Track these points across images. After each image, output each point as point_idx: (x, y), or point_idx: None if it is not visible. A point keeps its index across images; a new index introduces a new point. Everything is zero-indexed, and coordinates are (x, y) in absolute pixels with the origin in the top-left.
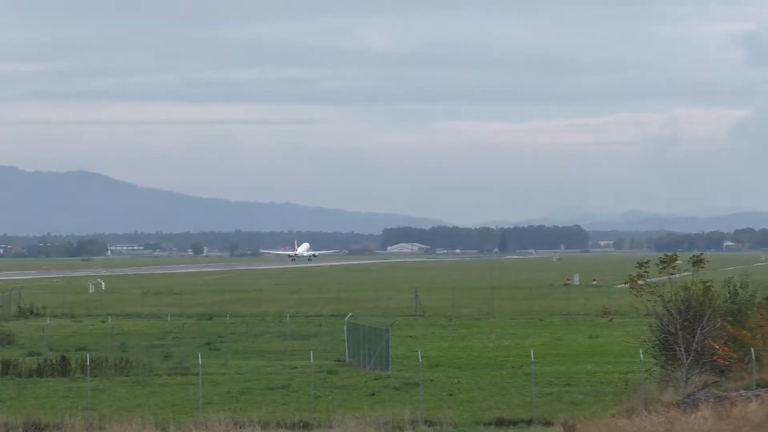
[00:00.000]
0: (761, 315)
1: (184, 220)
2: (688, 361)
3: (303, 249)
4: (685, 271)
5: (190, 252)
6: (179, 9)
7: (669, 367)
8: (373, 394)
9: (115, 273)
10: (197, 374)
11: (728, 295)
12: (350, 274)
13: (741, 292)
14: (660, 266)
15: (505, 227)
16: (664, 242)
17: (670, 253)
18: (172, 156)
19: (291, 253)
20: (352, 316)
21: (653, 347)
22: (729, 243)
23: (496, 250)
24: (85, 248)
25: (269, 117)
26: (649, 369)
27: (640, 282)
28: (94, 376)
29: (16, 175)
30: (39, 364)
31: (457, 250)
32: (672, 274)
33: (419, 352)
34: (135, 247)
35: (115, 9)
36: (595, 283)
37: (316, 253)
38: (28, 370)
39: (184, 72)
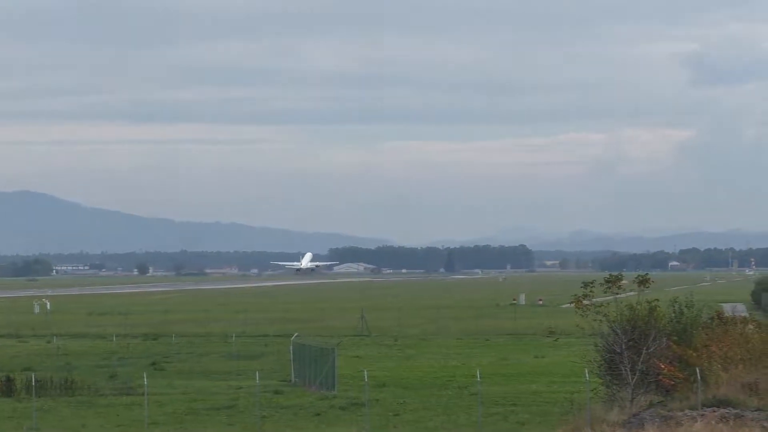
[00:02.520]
0: (706, 335)
1: (130, 240)
2: (634, 380)
3: (306, 260)
4: (630, 290)
5: (135, 272)
6: (126, 29)
7: (614, 387)
8: (319, 414)
9: (60, 293)
10: (142, 394)
11: (674, 314)
12: (296, 294)
13: (686, 312)
14: (605, 286)
15: (451, 247)
16: (610, 262)
17: (615, 273)
18: (118, 175)
19: (297, 264)
20: (298, 336)
21: (599, 367)
22: (674, 263)
23: (442, 270)
24: (30, 268)
25: (215, 137)
26: (595, 389)
27: (585, 302)
28: (40, 397)
29: None
30: None
31: (404, 270)
32: (617, 293)
33: (365, 372)
34: (80, 267)
35: (62, 28)
36: (540, 302)
37: (319, 263)
38: None
39: (130, 92)
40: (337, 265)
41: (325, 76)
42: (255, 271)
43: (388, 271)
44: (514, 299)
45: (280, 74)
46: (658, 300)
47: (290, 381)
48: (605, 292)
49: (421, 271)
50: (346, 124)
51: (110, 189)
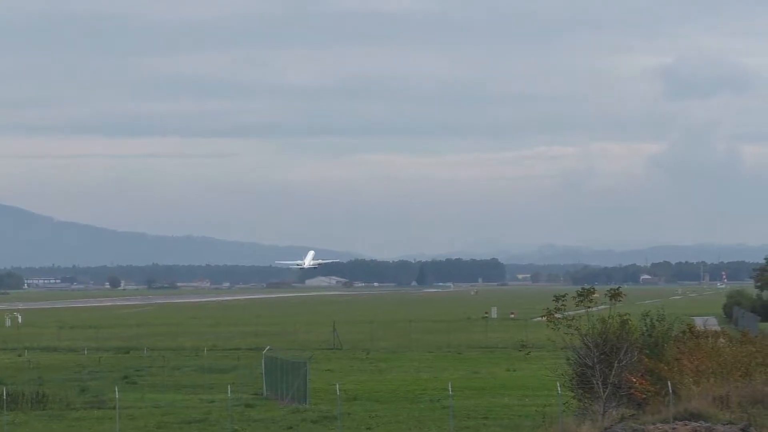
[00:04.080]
0: (678, 348)
1: (102, 253)
2: (606, 394)
3: (309, 258)
4: (602, 304)
5: (107, 285)
6: (98, 41)
7: (586, 401)
8: (291, 428)
9: (31, 306)
10: (114, 408)
11: (645, 328)
12: (268, 308)
13: (658, 326)
14: (577, 299)
15: (423, 260)
16: (582, 275)
17: (587, 287)
18: (90, 189)
19: (299, 262)
20: (270, 349)
21: (570, 380)
22: (646, 276)
23: (414, 283)
24: (2, 281)
25: (186, 150)
26: (567, 402)
27: (557, 315)
28: (11, 410)
29: None
30: None
31: (375, 284)
32: (589, 307)
33: (337, 386)
34: (52, 281)
35: (34, 40)
36: (512, 316)
37: (321, 261)
38: None
39: (103, 104)
40: (335, 263)
41: (295, 89)
42: (227, 284)
43: (360, 285)
44: (486, 313)
45: (251, 87)
46: (629, 313)
47: (262, 394)
48: (577, 306)
49: (393, 284)
50: (317, 137)
51: (82, 202)
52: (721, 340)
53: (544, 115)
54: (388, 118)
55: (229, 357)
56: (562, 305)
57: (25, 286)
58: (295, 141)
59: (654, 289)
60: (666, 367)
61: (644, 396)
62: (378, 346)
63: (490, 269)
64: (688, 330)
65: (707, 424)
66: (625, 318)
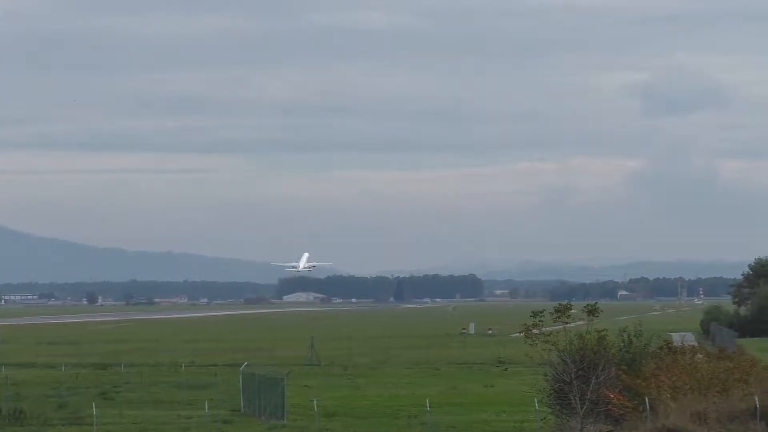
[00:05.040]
0: (656, 364)
1: (80, 269)
2: (583, 410)
3: (304, 261)
4: (579, 320)
5: (84, 301)
6: (76, 58)
7: (564, 417)
8: None
9: (9, 322)
10: (92, 424)
11: (622, 344)
12: (246, 324)
13: (635, 341)
14: (555, 315)
15: (401, 276)
16: (559, 291)
17: (564, 303)
18: (68, 205)
19: (294, 264)
20: (247, 365)
21: (548, 396)
22: (623, 292)
23: (392, 299)
24: None
25: (166, 166)
26: (544, 418)
27: (535, 331)
28: None
29: None
30: None
31: (354, 299)
32: (567, 323)
33: (315, 402)
34: (29, 297)
35: (11, 57)
36: (490, 332)
37: (315, 264)
38: None
39: (82, 121)
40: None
41: (276, 105)
42: (204, 300)
43: (338, 301)
44: (464, 329)
45: (231, 103)
46: (607, 329)
47: (240, 410)
48: (555, 322)
49: (371, 300)
50: (295, 154)
51: (61, 218)
52: (699, 356)
53: (524, 132)
54: (365, 134)
55: (206, 373)
56: (540, 321)
57: (3, 302)
58: (272, 157)
59: (632, 305)
60: (643, 383)
61: (622, 412)
62: (356, 362)
63: (468, 285)
64: (665, 346)
65: None
66: (602, 334)
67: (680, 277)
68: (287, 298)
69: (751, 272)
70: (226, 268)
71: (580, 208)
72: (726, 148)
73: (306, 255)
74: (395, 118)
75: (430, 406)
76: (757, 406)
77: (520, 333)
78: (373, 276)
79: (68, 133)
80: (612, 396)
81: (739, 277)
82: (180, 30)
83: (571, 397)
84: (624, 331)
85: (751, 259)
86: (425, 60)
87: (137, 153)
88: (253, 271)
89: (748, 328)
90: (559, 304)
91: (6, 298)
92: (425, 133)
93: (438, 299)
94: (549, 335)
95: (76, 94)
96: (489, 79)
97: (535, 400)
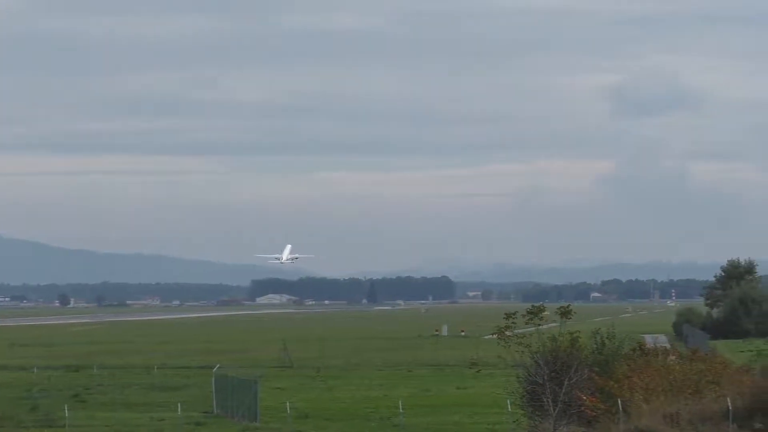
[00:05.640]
0: (628, 366)
1: (51, 271)
2: (556, 412)
3: (287, 252)
4: (552, 322)
5: (57, 303)
6: (50, 59)
7: (537, 418)
8: None
9: None
10: (64, 426)
11: (596, 346)
12: (218, 326)
13: (608, 343)
14: (527, 317)
15: (374, 278)
16: (532, 293)
17: (537, 304)
18: (40, 207)
19: (278, 256)
20: (220, 367)
21: (521, 398)
22: (596, 294)
23: (364, 301)
24: None
25: (139, 168)
26: (517, 420)
27: (507, 333)
28: None
29: None
30: None
31: (326, 301)
32: (539, 325)
33: (288, 404)
34: (1, 299)
35: None
36: (463, 333)
37: (298, 255)
38: None
39: (54, 122)
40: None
41: (249, 107)
42: (177, 302)
43: (311, 302)
44: (437, 330)
45: (203, 105)
46: (580, 331)
47: (213, 412)
48: (527, 323)
49: (344, 302)
50: (268, 156)
51: (32, 220)
52: (671, 357)
53: (496, 134)
54: (338, 137)
55: (179, 375)
56: (513, 323)
57: None
58: (245, 159)
59: (604, 307)
60: (616, 385)
61: (594, 414)
62: (329, 364)
63: (441, 287)
64: (638, 348)
65: None
66: (575, 336)
67: (653, 279)
68: (260, 300)
69: (723, 274)
70: (199, 270)
71: (553, 210)
72: (698, 150)
73: (289, 246)
74: (367, 120)
75: (403, 408)
76: (730, 407)
77: (493, 335)
78: (346, 278)
79: (39, 134)
80: (585, 398)
81: (712, 279)
82: (152, 31)
83: (544, 399)
84: (597, 333)
85: (723, 260)
86: (397, 62)
87: (108, 155)
88: (225, 273)
89: (720, 329)
90: (532, 306)
91: None
92: (397, 135)
93: (411, 301)
94: (522, 337)
95: (50, 95)
96: (461, 81)
97: (508, 402)
